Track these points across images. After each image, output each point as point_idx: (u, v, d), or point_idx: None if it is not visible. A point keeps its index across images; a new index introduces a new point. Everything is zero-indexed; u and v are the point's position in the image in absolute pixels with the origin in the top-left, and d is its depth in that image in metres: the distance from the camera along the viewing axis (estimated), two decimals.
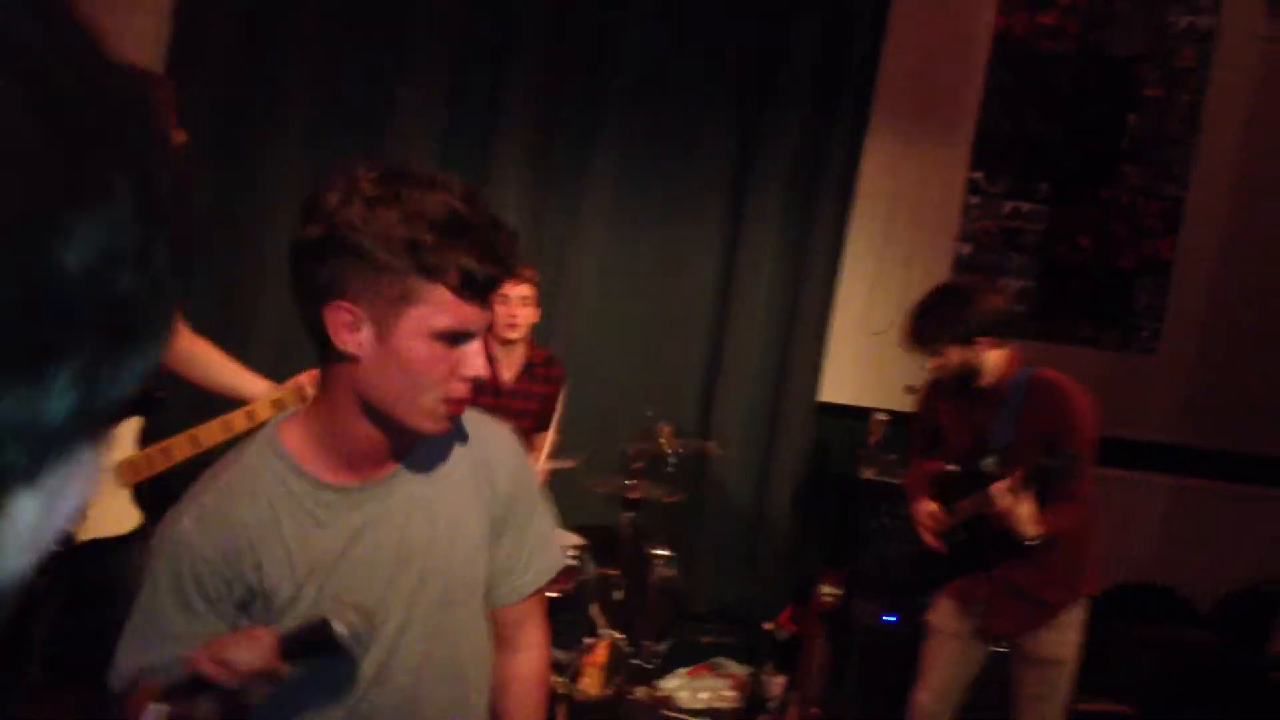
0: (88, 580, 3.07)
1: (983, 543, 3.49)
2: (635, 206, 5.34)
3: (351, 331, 1.55)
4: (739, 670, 5.14)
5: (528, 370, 4.59)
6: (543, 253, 5.19)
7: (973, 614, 3.61)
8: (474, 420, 1.85)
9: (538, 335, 4.72)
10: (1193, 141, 5.54)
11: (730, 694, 5.00)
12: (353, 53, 5.04)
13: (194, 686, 1.50)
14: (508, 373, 4.54)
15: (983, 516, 3.39)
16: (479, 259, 1.55)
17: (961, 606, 3.63)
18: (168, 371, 3.17)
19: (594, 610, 4.64)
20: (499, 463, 1.86)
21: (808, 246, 5.44)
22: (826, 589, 4.96)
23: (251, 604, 1.64)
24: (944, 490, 3.61)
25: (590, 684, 4.52)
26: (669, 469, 4.40)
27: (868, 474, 5.01)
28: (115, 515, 3.04)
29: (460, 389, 1.62)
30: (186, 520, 1.62)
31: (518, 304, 4.55)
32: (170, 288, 0.52)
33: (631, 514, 4.41)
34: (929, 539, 3.64)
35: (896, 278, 5.54)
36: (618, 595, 4.43)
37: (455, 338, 1.58)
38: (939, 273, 5.54)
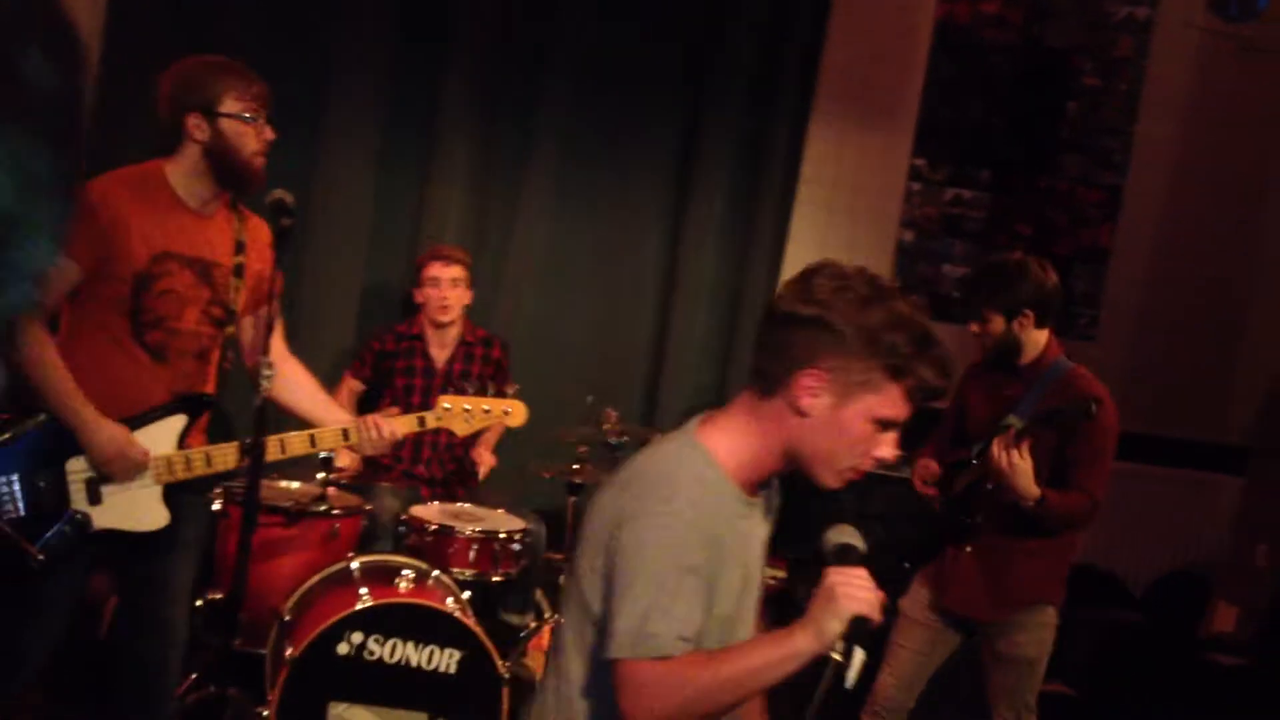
0: (110, 573, 2.99)
1: (972, 516, 3.51)
2: (579, 195, 5.33)
3: (812, 396, 1.89)
4: None
5: (465, 350, 4.60)
6: (487, 241, 5.17)
7: (938, 592, 3.62)
8: None
9: (483, 322, 4.71)
10: (1131, 131, 5.63)
11: None
12: (290, 42, 4.96)
13: (857, 630, 1.82)
14: (443, 352, 4.57)
15: (980, 485, 3.42)
16: (937, 375, 1.89)
17: (932, 593, 3.64)
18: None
19: (539, 594, 4.64)
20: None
21: (751, 233, 5.46)
22: (769, 572, 4.99)
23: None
24: (953, 472, 3.62)
25: (536, 667, 4.51)
26: (615, 454, 4.39)
27: None
28: (141, 509, 2.94)
29: (866, 464, 1.96)
30: (679, 503, 1.88)
31: (448, 286, 4.55)
32: (42, 196, 0.51)
33: (577, 499, 4.41)
34: (922, 487, 3.65)
35: None
36: (563, 580, 4.42)
37: (887, 425, 1.91)
38: (881, 259, 5.59)
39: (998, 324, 3.42)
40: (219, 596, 3.63)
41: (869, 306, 1.87)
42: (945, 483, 3.60)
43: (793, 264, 5.53)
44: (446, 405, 3.26)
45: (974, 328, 3.47)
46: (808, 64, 5.42)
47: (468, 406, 3.27)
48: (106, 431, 2.82)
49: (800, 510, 5.05)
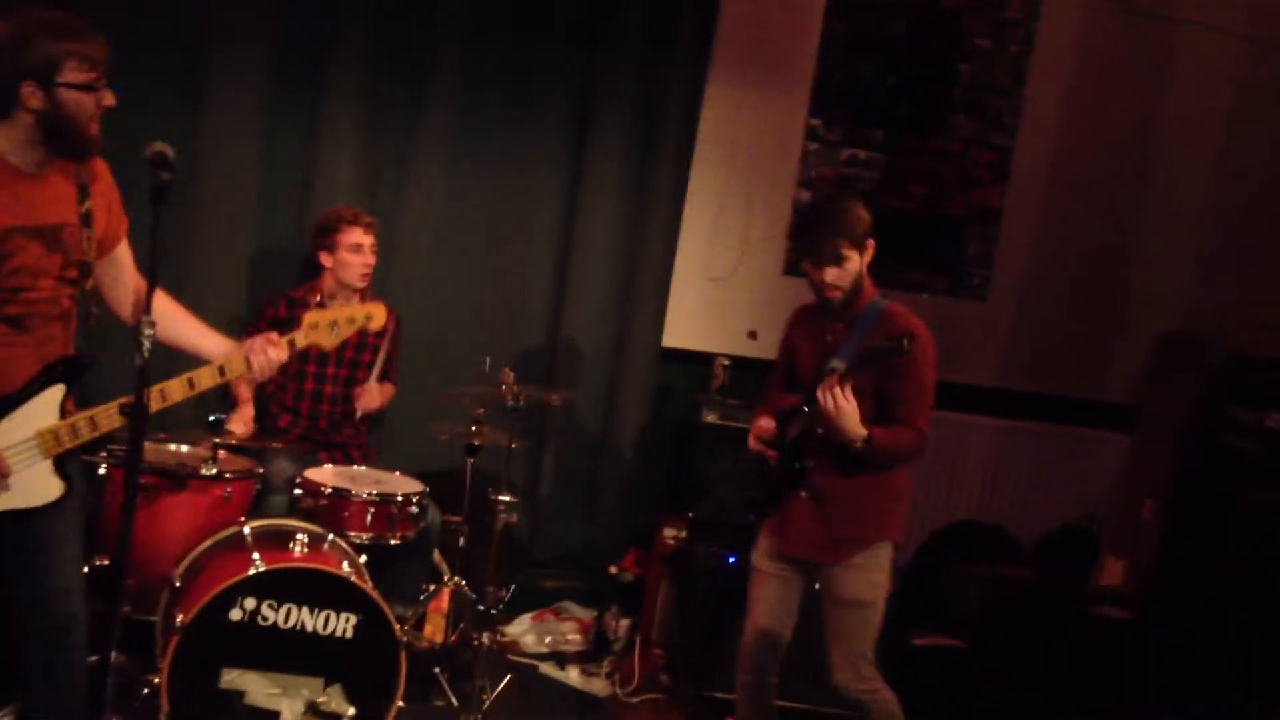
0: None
1: (803, 462, 3.56)
2: (472, 156, 5.25)
3: None
4: (583, 614, 5.17)
5: None
6: (379, 203, 5.06)
7: (778, 539, 3.68)
8: None
9: (377, 284, 4.64)
10: (1020, 92, 5.72)
11: (575, 637, 5.03)
12: (170, 6, 4.81)
13: None
14: None
15: (811, 431, 3.47)
16: None
17: (774, 541, 3.70)
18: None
19: (437, 557, 4.61)
20: None
21: (649, 193, 5.44)
22: (669, 532, 5.02)
23: None
24: (786, 421, 3.66)
25: (434, 631, 4.49)
26: (512, 415, 4.37)
27: (710, 418, 5.07)
28: (35, 486, 2.84)
29: None
30: None
31: (370, 252, 4.50)
32: None
33: (474, 460, 4.38)
34: (755, 444, 3.69)
35: (736, 224, 5.59)
36: (461, 542, 4.40)
37: None
38: (778, 219, 5.61)
39: (855, 260, 3.48)
40: (105, 562, 3.54)
41: None
42: (780, 432, 3.64)
43: (690, 224, 5.54)
44: (312, 322, 3.22)
45: (831, 274, 3.48)
46: (704, 24, 5.41)
47: (333, 319, 3.26)
48: None
49: (694, 472, 5.11)
